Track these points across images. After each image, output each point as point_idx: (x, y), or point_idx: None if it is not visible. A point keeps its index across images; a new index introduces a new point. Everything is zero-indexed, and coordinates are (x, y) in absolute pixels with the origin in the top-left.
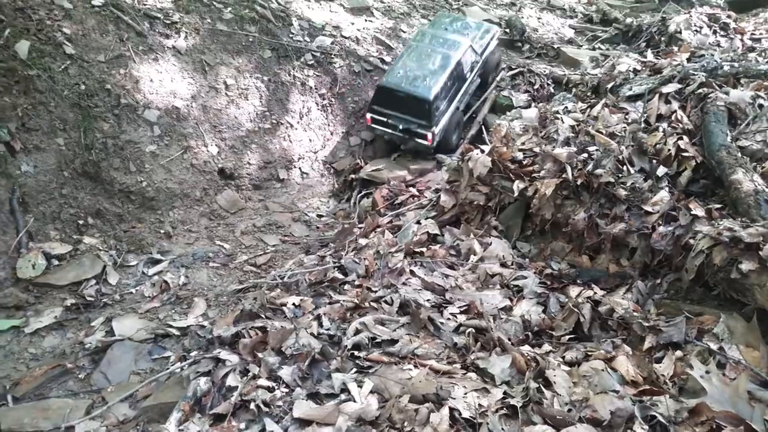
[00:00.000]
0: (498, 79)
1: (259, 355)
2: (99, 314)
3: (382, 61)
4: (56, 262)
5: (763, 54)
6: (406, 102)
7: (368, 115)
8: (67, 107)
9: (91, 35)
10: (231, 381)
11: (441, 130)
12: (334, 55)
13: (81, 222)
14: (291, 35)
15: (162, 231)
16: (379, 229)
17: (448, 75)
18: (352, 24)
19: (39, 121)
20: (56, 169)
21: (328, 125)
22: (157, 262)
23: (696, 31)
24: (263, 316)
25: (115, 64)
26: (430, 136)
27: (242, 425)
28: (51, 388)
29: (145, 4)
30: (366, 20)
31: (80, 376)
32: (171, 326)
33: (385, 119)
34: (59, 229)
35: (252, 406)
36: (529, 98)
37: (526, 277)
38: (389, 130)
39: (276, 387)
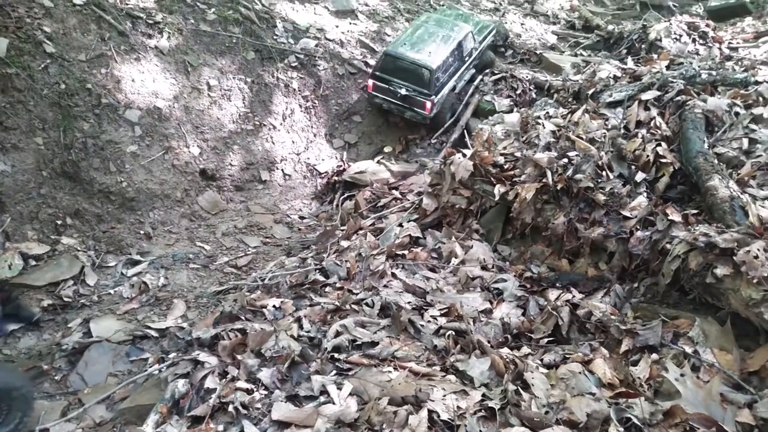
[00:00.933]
0: (480, 83)
1: (239, 357)
2: (76, 315)
3: (366, 64)
4: (33, 263)
5: (739, 63)
6: (409, 70)
7: (370, 81)
8: (46, 106)
9: (72, 34)
10: (209, 383)
11: (438, 102)
12: (318, 57)
13: (59, 222)
14: (275, 37)
15: (142, 232)
16: (361, 232)
17: (449, 52)
18: (337, 27)
19: (17, 120)
20: (35, 169)
21: (312, 127)
22: (137, 263)
23: (676, 39)
24: (243, 318)
25: (97, 63)
26: (428, 105)
27: (220, 427)
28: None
29: (127, 4)
30: (350, 23)
31: (56, 378)
32: (150, 328)
33: (386, 86)
34: (37, 230)
35: (230, 408)
36: (512, 103)
37: (506, 280)
38: (389, 98)
39: (255, 389)
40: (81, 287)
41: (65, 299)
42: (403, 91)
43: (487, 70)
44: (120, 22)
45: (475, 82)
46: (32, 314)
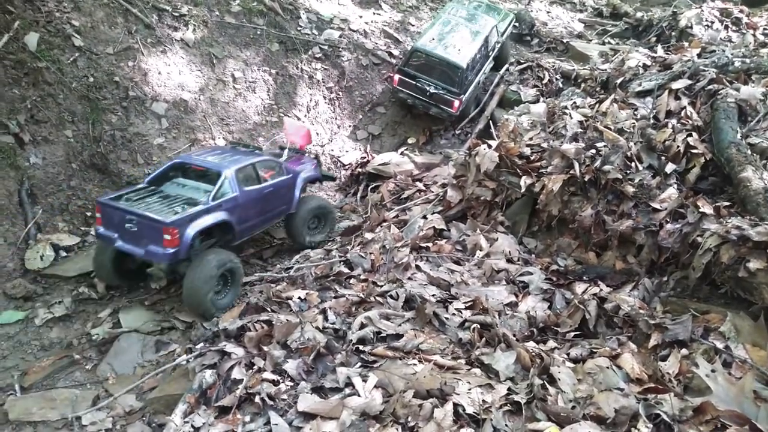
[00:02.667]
0: (504, 72)
1: (265, 348)
2: (106, 306)
3: (390, 54)
4: (64, 254)
5: None
6: (439, 67)
7: (396, 77)
8: (75, 99)
9: (99, 27)
10: (236, 374)
11: (466, 100)
12: (342, 48)
13: (89, 214)
14: (299, 28)
15: None
16: (385, 224)
17: (477, 48)
18: (361, 17)
19: (48, 113)
20: (65, 161)
21: (336, 119)
22: None
23: (707, 26)
24: (269, 309)
25: (124, 56)
26: (456, 103)
27: (247, 418)
28: (58, 379)
29: None
30: (374, 13)
31: (87, 367)
32: (177, 318)
33: (413, 82)
34: (67, 221)
35: (257, 399)
36: (538, 93)
37: (532, 273)
38: (415, 94)
39: (281, 380)
40: None
41: (95, 290)
42: (432, 89)
43: (511, 61)
44: (146, 15)
45: (500, 72)
46: (334, 176)
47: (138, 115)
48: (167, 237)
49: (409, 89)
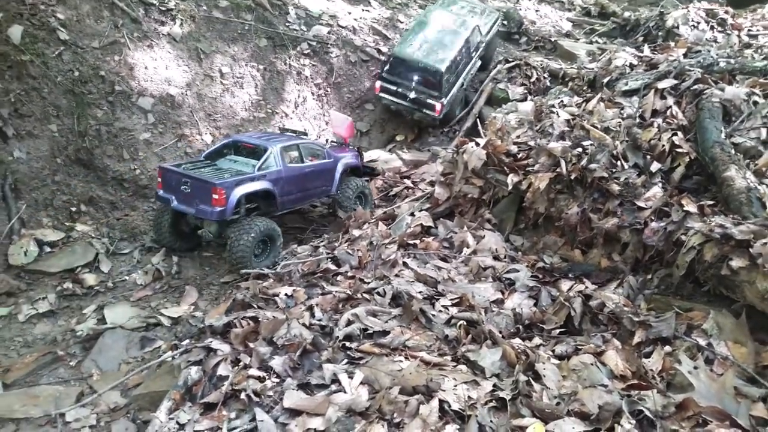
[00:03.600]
0: (494, 71)
1: (251, 345)
2: (91, 302)
3: (379, 51)
4: (48, 249)
5: (759, 51)
6: (418, 72)
7: (378, 84)
8: (60, 93)
9: (85, 21)
10: (222, 370)
11: (448, 102)
12: (331, 44)
13: (74, 209)
14: (287, 24)
15: None
16: (372, 221)
17: (457, 51)
18: (349, 13)
19: (32, 107)
20: (49, 156)
21: (324, 115)
22: (150, 249)
23: (693, 26)
24: (255, 306)
25: (110, 50)
26: (438, 107)
27: (232, 414)
28: (41, 375)
29: None
30: (363, 10)
31: (71, 364)
32: (163, 315)
33: (394, 88)
34: (52, 216)
35: (243, 395)
36: (525, 91)
37: (518, 271)
38: (398, 99)
39: (267, 377)
40: (95, 274)
41: (79, 286)
42: (412, 95)
43: (500, 59)
44: (133, 9)
45: (492, 73)
46: (376, 170)
47: (124, 109)
48: (215, 197)
49: (391, 95)
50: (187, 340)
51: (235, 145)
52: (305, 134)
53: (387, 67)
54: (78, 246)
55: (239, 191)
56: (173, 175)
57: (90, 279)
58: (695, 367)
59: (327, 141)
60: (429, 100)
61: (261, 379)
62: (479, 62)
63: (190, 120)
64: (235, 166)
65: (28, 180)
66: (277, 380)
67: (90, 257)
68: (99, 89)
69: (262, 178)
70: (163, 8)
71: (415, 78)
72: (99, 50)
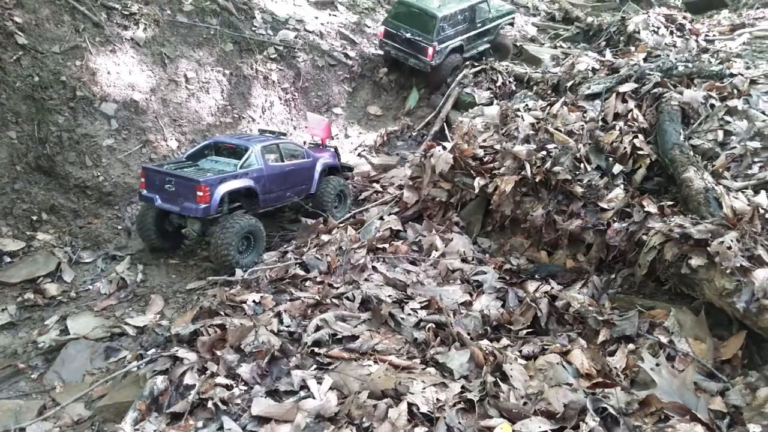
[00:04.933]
0: (460, 75)
1: (218, 352)
2: (53, 312)
3: (346, 56)
4: (8, 259)
5: (715, 55)
6: (417, 17)
7: (381, 28)
8: (19, 99)
9: (45, 25)
10: (189, 379)
11: (441, 52)
12: (298, 49)
13: (34, 218)
14: (254, 28)
15: (119, 227)
16: (341, 225)
17: (460, 10)
18: (316, 18)
19: None
20: (8, 164)
21: (291, 119)
22: (114, 258)
23: (654, 31)
24: (222, 313)
25: (71, 55)
26: (430, 51)
27: (200, 424)
28: (1, 389)
29: None
30: (330, 14)
31: (33, 377)
32: (128, 324)
33: (394, 32)
34: (11, 225)
35: (210, 404)
36: (491, 95)
37: (486, 273)
38: (396, 44)
39: (234, 385)
40: (58, 283)
41: (41, 296)
42: (408, 35)
43: (466, 64)
44: (95, 13)
45: (459, 77)
46: (351, 167)
47: (86, 115)
48: (200, 194)
49: (391, 40)
50: (153, 350)
51: (216, 145)
52: (284, 135)
53: (391, 13)
54: (39, 255)
55: (223, 188)
56: (157, 175)
57: (52, 289)
58: (657, 364)
59: (305, 142)
60: (422, 43)
61: (228, 387)
62: (487, 45)
63: (154, 126)
64: (216, 166)
65: None
66: (245, 388)
67: (52, 267)
68: (60, 95)
69: (245, 176)
70: (126, 12)
71: (415, 23)
72: (60, 55)
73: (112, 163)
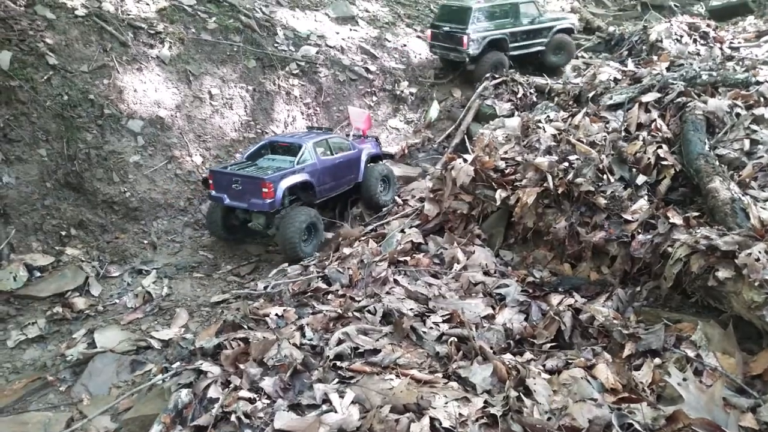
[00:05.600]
0: (481, 88)
1: (241, 366)
2: (81, 326)
3: (367, 70)
4: (38, 274)
5: (740, 63)
6: (455, 12)
7: (428, 32)
8: (49, 118)
9: (74, 45)
10: (212, 393)
11: (477, 43)
12: (319, 64)
13: (63, 233)
14: (276, 45)
15: (145, 241)
16: (363, 238)
17: (499, 3)
18: (337, 33)
19: (21, 132)
20: (39, 180)
21: None
22: (140, 272)
23: (676, 39)
24: (246, 327)
25: (99, 74)
26: (465, 39)
27: None
28: (31, 402)
29: (128, 14)
30: (351, 29)
31: (61, 389)
32: (153, 337)
33: (437, 31)
34: (41, 241)
35: (233, 417)
36: (512, 107)
37: (508, 286)
38: (438, 41)
39: (257, 398)
40: (85, 298)
41: (70, 310)
42: (446, 28)
43: (487, 76)
44: (122, 33)
45: (479, 89)
46: (393, 154)
47: (113, 132)
48: (265, 190)
49: (435, 39)
50: (178, 363)
51: (271, 145)
52: (330, 130)
53: (436, 15)
54: (68, 270)
55: (284, 183)
56: (224, 176)
57: (80, 303)
58: (684, 379)
59: (349, 135)
60: (458, 34)
61: (251, 401)
62: (540, 46)
63: (179, 142)
64: (274, 164)
65: (17, 205)
66: (268, 401)
67: (80, 281)
68: (88, 113)
69: (302, 171)
70: (152, 31)
71: (453, 17)
72: (88, 74)
73: (138, 179)
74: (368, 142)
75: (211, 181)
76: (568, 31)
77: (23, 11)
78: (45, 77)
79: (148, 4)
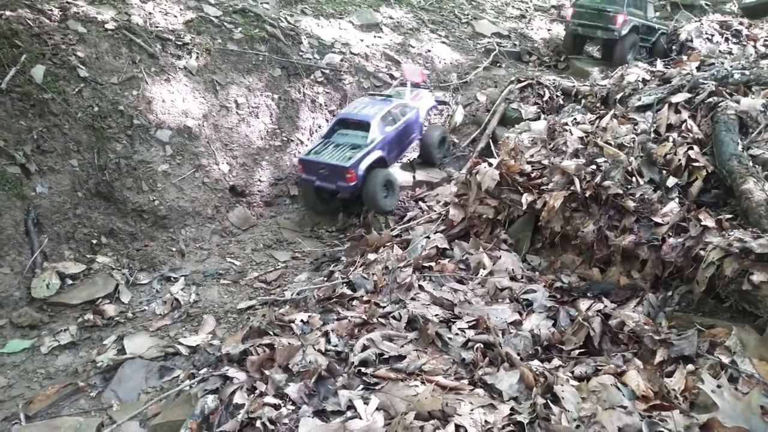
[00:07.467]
0: (506, 91)
1: (266, 372)
2: (111, 332)
3: (391, 76)
4: (70, 282)
5: None
6: (598, 12)
7: (570, 10)
8: (80, 129)
9: (104, 58)
10: (238, 399)
11: (627, 24)
12: (344, 71)
13: (94, 241)
14: (300, 53)
15: (174, 249)
16: (388, 244)
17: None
18: (362, 40)
19: (53, 144)
20: (70, 190)
21: None
22: (169, 279)
23: (707, 38)
24: (271, 333)
25: (128, 85)
26: (620, 18)
27: None
28: (63, 407)
29: (156, 27)
30: (375, 36)
31: (92, 395)
32: (181, 344)
33: (583, 10)
34: (73, 249)
35: (258, 423)
36: (538, 110)
37: (535, 291)
38: (584, 20)
39: (282, 404)
40: (116, 305)
41: (100, 317)
42: (599, 6)
43: (512, 80)
44: (150, 45)
45: (504, 93)
46: (447, 101)
47: (142, 142)
48: (348, 176)
49: (579, 18)
50: (204, 369)
51: (342, 121)
52: (390, 97)
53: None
54: (99, 277)
55: (363, 165)
56: (311, 164)
57: (110, 310)
58: (719, 386)
59: (407, 89)
60: (612, 13)
61: (276, 407)
62: (649, 44)
63: (207, 150)
64: (347, 140)
65: (50, 214)
66: (293, 407)
67: (110, 288)
68: (118, 123)
69: (375, 149)
70: (180, 43)
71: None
72: (118, 86)
73: (167, 188)
74: (423, 91)
75: (300, 167)
76: (664, 35)
77: (56, 26)
78: (76, 89)
79: (175, 16)
